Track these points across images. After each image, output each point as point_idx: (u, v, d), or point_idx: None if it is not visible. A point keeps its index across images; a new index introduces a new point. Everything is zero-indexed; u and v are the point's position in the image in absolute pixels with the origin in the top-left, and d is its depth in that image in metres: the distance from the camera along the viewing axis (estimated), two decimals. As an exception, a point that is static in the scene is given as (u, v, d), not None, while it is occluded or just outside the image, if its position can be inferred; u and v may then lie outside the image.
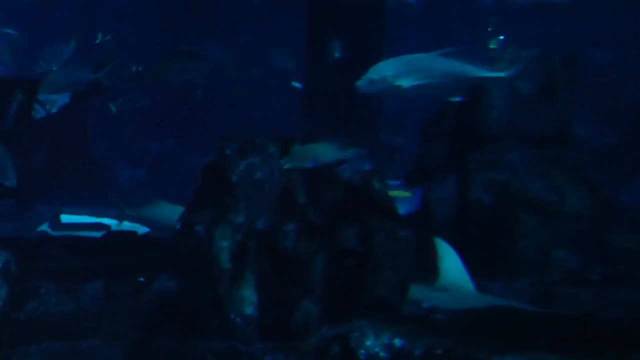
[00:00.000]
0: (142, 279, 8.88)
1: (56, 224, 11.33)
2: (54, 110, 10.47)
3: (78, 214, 11.96)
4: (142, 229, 11.33)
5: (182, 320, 8.01)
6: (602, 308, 7.06)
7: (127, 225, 11.67)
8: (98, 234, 10.59)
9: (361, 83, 9.14)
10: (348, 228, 8.04)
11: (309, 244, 7.96)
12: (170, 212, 9.45)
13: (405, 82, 8.95)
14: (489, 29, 17.47)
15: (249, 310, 7.82)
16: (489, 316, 7.67)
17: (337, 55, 12.23)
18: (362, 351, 6.61)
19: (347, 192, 8.08)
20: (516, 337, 6.64)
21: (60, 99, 10.52)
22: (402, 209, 8.33)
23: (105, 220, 11.62)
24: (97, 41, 14.03)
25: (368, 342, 6.63)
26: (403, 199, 9.12)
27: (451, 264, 7.48)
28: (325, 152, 7.81)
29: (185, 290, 8.16)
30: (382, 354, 6.53)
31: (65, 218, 11.60)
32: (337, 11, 13.49)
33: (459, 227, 9.33)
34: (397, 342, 6.51)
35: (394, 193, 8.50)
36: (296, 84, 15.11)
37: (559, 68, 9.82)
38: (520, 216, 9.09)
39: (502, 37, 16.34)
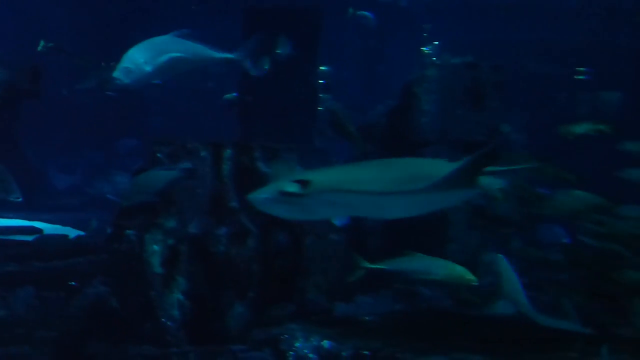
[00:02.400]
0: (73, 284, 8.84)
1: None
2: None
3: (9, 217, 11.77)
4: (73, 232, 11.22)
5: (114, 325, 7.98)
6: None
7: (58, 228, 11.54)
8: (29, 238, 10.48)
9: (118, 74, 8.63)
10: (279, 232, 8.11)
11: (241, 248, 8.01)
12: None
13: (156, 66, 8.65)
14: (424, 35, 17.73)
15: (180, 314, 7.82)
16: (417, 318, 7.84)
17: (284, 51, 12.10)
18: (291, 353, 6.73)
19: (278, 196, 8.12)
20: (442, 338, 6.81)
21: None
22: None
23: (37, 224, 11.45)
24: (39, 48, 13.85)
25: (297, 344, 6.75)
26: None
27: None
28: (154, 179, 7.82)
29: (117, 295, 8.12)
30: (310, 355, 6.65)
31: None
32: (271, 16, 13.55)
33: (389, 232, 9.42)
34: (326, 343, 6.64)
35: None
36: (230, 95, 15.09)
37: (486, 75, 9.97)
38: (448, 220, 9.23)
39: (436, 43, 16.61)
